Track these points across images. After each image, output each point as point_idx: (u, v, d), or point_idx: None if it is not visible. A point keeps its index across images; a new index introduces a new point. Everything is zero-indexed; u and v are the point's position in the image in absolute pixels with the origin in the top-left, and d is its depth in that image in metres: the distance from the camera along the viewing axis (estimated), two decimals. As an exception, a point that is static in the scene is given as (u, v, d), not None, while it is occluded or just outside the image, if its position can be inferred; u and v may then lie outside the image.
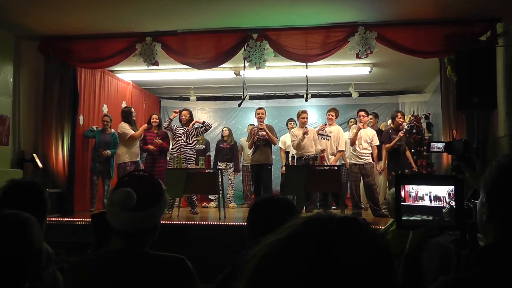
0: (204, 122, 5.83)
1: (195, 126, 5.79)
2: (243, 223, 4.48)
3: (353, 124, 6.39)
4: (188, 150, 5.69)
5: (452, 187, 1.09)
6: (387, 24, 4.89)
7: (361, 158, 5.57)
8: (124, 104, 7.15)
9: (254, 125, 6.55)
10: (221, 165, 6.78)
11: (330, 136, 5.77)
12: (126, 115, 5.88)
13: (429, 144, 3.86)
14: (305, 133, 5.56)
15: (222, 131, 7.24)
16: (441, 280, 0.88)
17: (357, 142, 5.57)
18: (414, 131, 6.60)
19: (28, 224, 0.84)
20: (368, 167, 5.56)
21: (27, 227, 0.84)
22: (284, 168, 6.06)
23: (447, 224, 1.08)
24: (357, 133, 5.56)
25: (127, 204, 1.20)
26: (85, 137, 5.97)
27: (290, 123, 6.80)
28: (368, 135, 5.70)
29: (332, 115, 5.75)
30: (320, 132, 5.76)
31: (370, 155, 5.65)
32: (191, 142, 5.72)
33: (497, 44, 4.50)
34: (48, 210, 1.55)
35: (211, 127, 5.97)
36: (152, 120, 6.00)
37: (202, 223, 4.80)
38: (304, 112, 5.85)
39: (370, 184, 5.48)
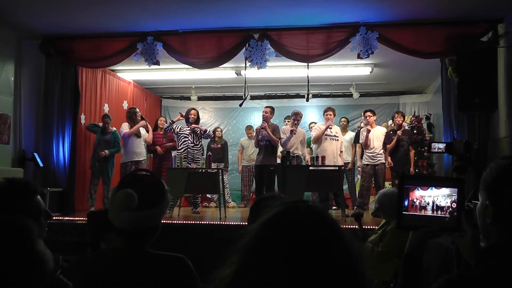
0: (206, 131, 5.81)
1: (195, 129, 5.77)
2: (243, 223, 4.48)
3: (346, 125, 6.45)
4: (196, 151, 5.69)
5: (456, 195, 1.09)
6: (389, 24, 4.88)
7: (373, 159, 5.58)
8: (125, 103, 7.17)
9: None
10: (213, 165, 6.77)
11: (337, 136, 5.77)
12: (130, 115, 5.90)
13: (430, 145, 3.87)
14: (292, 131, 5.58)
15: (215, 132, 7.17)
16: (445, 279, 0.88)
17: (371, 142, 5.61)
18: (415, 131, 6.60)
19: (32, 232, 0.84)
20: (379, 168, 5.56)
21: (31, 235, 0.83)
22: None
23: (447, 226, 1.08)
24: (367, 136, 5.57)
25: (128, 205, 1.20)
26: (86, 128, 5.95)
27: (287, 120, 6.78)
28: (379, 133, 5.71)
29: (330, 114, 5.75)
30: (329, 133, 5.68)
31: (383, 154, 5.67)
32: (197, 143, 5.72)
33: (498, 45, 4.50)
34: (41, 211, 1.48)
35: (208, 137, 5.97)
36: (159, 123, 6.23)
37: (202, 222, 4.80)
38: (298, 114, 5.84)
39: (381, 186, 5.49)
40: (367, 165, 5.61)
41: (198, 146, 5.74)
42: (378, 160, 5.58)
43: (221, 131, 7.27)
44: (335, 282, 0.59)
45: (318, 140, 5.68)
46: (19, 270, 0.79)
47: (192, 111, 5.83)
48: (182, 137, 5.71)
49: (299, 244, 0.60)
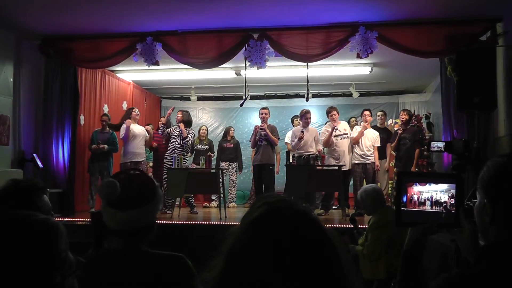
0: (185, 138, 5.68)
1: (190, 129, 5.78)
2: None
3: (355, 124, 6.42)
4: (183, 152, 5.71)
5: (454, 190, 1.09)
6: (388, 24, 4.89)
7: (364, 158, 5.61)
8: (125, 104, 7.17)
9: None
10: (223, 164, 6.76)
11: (347, 133, 5.75)
12: (127, 115, 5.93)
13: (430, 144, 3.88)
14: (300, 138, 5.57)
15: (228, 131, 7.14)
16: (443, 277, 0.88)
17: (362, 142, 5.63)
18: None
19: (57, 232, 0.85)
20: (370, 167, 5.61)
21: (56, 235, 0.84)
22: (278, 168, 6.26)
23: (446, 222, 1.08)
24: (362, 132, 5.58)
25: (111, 194, 1.21)
26: (90, 148, 5.86)
27: (296, 120, 6.78)
28: (372, 135, 5.74)
29: (335, 114, 5.76)
30: (337, 133, 5.68)
31: (373, 154, 5.69)
32: (183, 144, 5.73)
33: (497, 44, 4.50)
34: (48, 212, 1.52)
35: (186, 144, 5.83)
36: (160, 124, 6.29)
37: (202, 223, 4.80)
38: (308, 112, 5.83)
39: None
40: (358, 164, 5.63)
41: (185, 147, 5.77)
42: (369, 159, 5.61)
43: (234, 131, 7.22)
44: (319, 281, 0.59)
45: (328, 143, 5.69)
46: (46, 269, 0.80)
47: (178, 112, 5.92)
48: (172, 138, 5.78)
49: (282, 245, 0.60)
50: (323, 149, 6.11)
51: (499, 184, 0.93)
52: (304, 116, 5.77)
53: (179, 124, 5.77)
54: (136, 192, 1.25)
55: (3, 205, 1.40)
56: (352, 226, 3.20)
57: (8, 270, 0.76)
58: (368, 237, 2.88)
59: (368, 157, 5.63)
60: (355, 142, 5.67)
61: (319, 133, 5.96)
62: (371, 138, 5.72)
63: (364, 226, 3.34)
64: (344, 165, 5.58)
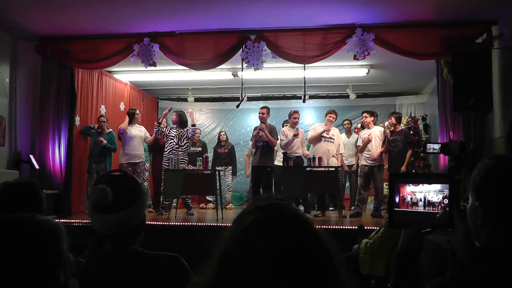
0: (193, 125, 5.81)
1: (187, 128, 5.81)
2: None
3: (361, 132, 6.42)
4: (180, 152, 5.68)
5: (447, 191, 1.09)
6: (385, 26, 4.91)
7: (372, 160, 5.63)
8: (122, 105, 7.15)
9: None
10: (219, 169, 6.77)
11: (333, 139, 5.78)
12: (130, 117, 5.91)
13: (425, 146, 3.89)
14: (296, 135, 5.58)
15: (219, 136, 7.18)
16: (437, 282, 0.89)
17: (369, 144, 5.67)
18: (411, 132, 6.63)
19: (59, 232, 0.86)
20: (377, 169, 5.63)
21: (58, 235, 0.85)
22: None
23: (439, 223, 1.09)
24: (366, 144, 5.61)
25: (103, 201, 1.19)
26: (80, 132, 5.93)
27: (286, 125, 6.81)
28: (378, 134, 5.74)
29: (333, 117, 5.78)
30: (324, 135, 5.72)
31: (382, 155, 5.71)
32: (183, 144, 5.73)
33: (493, 47, 4.53)
34: (44, 210, 1.56)
35: (191, 135, 5.87)
36: (162, 124, 6.29)
37: (199, 224, 4.80)
38: (296, 112, 5.87)
39: (379, 187, 5.54)
40: (365, 166, 5.65)
41: (184, 147, 5.77)
42: (377, 161, 5.62)
43: (225, 134, 7.21)
44: (311, 284, 0.59)
45: (313, 141, 5.76)
46: (51, 269, 0.81)
47: (174, 113, 5.95)
48: (169, 139, 5.78)
49: (274, 251, 0.60)
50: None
51: (489, 186, 0.93)
52: (293, 115, 5.81)
53: (188, 113, 5.83)
54: (121, 193, 1.23)
55: (11, 205, 1.41)
56: (358, 232, 3.24)
57: (15, 271, 0.77)
58: (380, 230, 2.89)
59: (377, 159, 5.63)
60: (360, 151, 5.71)
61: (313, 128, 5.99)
62: (380, 136, 5.71)
63: (371, 228, 3.39)
64: (338, 166, 5.60)
